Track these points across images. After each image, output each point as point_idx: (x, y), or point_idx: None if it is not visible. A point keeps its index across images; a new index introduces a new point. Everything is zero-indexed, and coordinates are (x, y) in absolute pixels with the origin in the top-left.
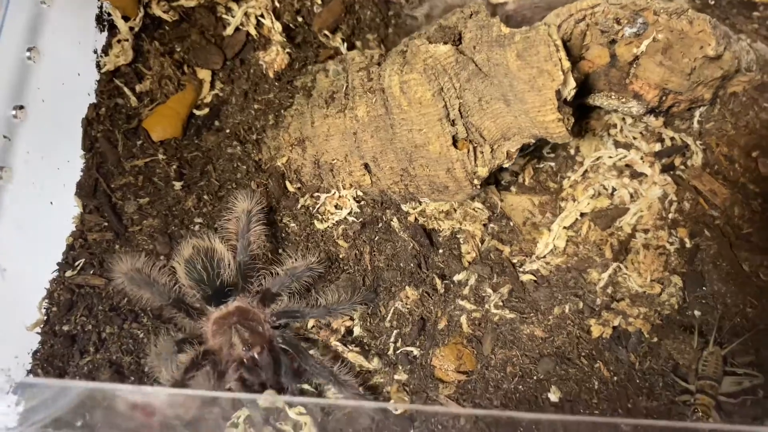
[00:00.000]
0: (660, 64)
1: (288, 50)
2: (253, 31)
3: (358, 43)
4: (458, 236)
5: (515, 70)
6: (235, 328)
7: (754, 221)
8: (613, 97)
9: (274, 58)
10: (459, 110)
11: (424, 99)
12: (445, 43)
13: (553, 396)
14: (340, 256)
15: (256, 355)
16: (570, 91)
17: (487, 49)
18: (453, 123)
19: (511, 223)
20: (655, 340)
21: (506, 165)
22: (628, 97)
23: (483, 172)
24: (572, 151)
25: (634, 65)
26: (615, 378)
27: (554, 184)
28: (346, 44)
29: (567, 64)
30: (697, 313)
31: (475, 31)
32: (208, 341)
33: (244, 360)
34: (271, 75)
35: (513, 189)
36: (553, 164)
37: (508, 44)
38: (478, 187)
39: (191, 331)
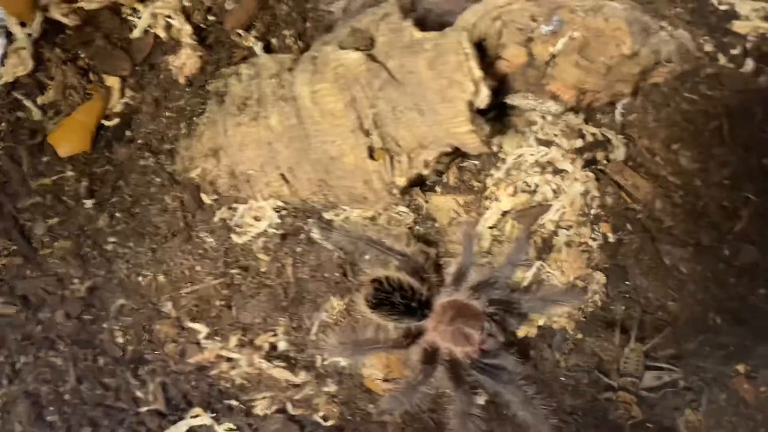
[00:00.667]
0: (576, 65)
1: (199, 53)
2: (162, 34)
3: (274, 41)
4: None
5: (427, 80)
6: (458, 321)
7: (676, 214)
8: (530, 97)
9: (185, 61)
10: (373, 120)
11: (336, 110)
12: (357, 49)
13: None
14: (262, 270)
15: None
16: (483, 99)
17: (400, 56)
18: (368, 133)
19: (437, 225)
20: (580, 337)
21: (425, 173)
22: (545, 98)
23: (401, 182)
24: (495, 149)
25: (551, 65)
26: (541, 377)
27: (478, 183)
28: (261, 43)
29: (478, 74)
30: (620, 308)
31: (388, 35)
32: (441, 347)
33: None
34: (181, 80)
35: (438, 189)
36: (477, 162)
37: (420, 51)
38: (398, 196)
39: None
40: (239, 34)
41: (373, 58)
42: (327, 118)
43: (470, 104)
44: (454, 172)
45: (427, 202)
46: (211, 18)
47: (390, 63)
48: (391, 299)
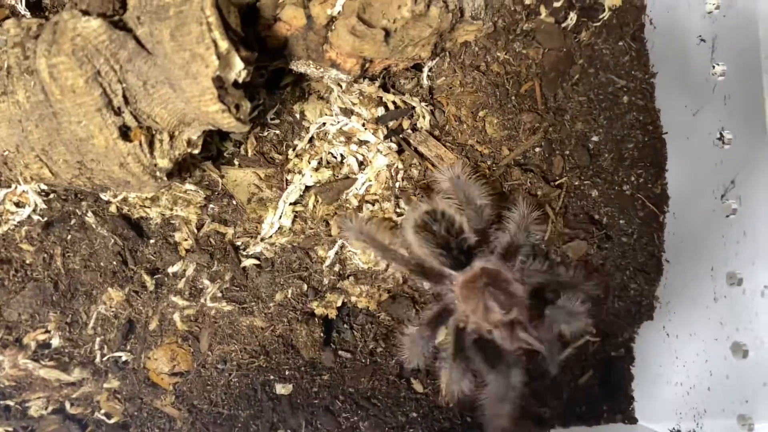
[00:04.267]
0: (352, 31)
1: None
2: None
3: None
4: (173, 222)
5: (170, 52)
6: (488, 291)
7: (483, 185)
8: (311, 65)
9: None
10: (124, 96)
11: (77, 86)
12: (102, 15)
13: (282, 389)
14: (27, 262)
15: (515, 317)
16: (239, 73)
17: (150, 22)
18: (118, 111)
19: (234, 202)
20: (382, 316)
21: (195, 152)
22: (326, 66)
23: (164, 163)
24: (298, 116)
25: (331, 29)
26: (339, 361)
27: (280, 156)
28: (25, 0)
29: (224, 45)
30: (424, 284)
31: None
32: (458, 308)
33: (504, 324)
34: None
35: (236, 162)
36: (278, 132)
37: (164, 18)
38: (164, 179)
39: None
40: None
41: (122, 24)
42: (68, 95)
43: (218, 80)
44: (253, 143)
45: (222, 177)
46: None
47: (140, 30)
48: (435, 230)
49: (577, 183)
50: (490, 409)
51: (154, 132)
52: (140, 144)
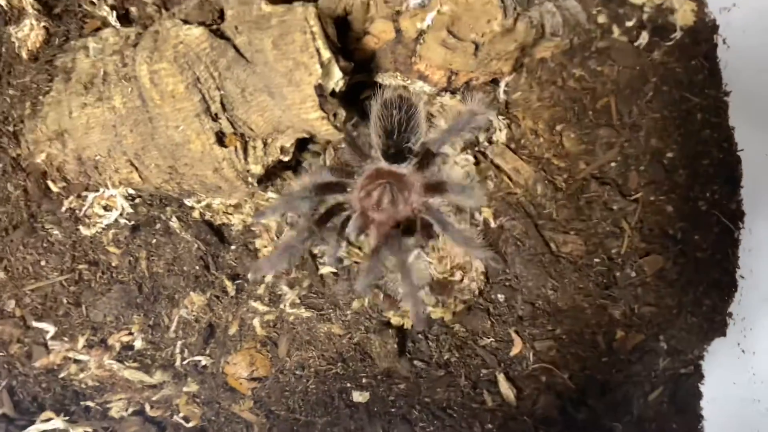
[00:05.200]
0: (443, 44)
1: (45, 23)
2: (2, 1)
3: (134, 10)
4: (253, 229)
5: (272, 60)
6: (386, 186)
7: (558, 199)
8: (399, 77)
9: (28, 33)
10: (221, 103)
11: (177, 92)
12: (202, 24)
13: (360, 397)
14: (113, 265)
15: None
16: (337, 82)
17: (249, 32)
18: (215, 117)
19: None
20: (457, 327)
21: (285, 159)
22: (413, 78)
23: (257, 169)
24: None
25: (420, 42)
26: (414, 370)
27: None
28: (116, 12)
29: (327, 55)
30: (499, 297)
31: (237, 7)
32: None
33: (366, 213)
34: (25, 54)
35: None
36: None
37: (266, 28)
38: (255, 185)
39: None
40: (92, 2)
41: (220, 33)
42: (168, 101)
43: (319, 88)
44: (331, 153)
45: None
46: None
47: (238, 40)
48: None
49: (652, 198)
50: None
51: (247, 139)
52: (235, 149)
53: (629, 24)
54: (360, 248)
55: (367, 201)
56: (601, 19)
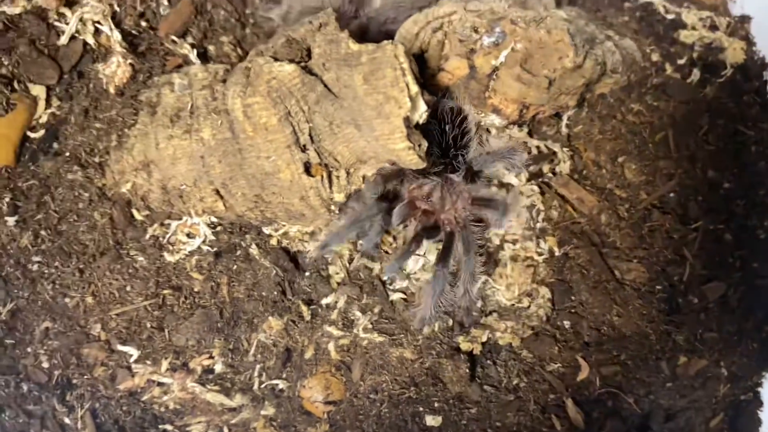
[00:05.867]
0: (518, 79)
1: (131, 61)
2: (91, 40)
3: (211, 48)
4: (326, 256)
5: (362, 95)
6: (439, 183)
7: (621, 228)
8: (472, 111)
9: (115, 70)
10: (309, 135)
11: (269, 124)
12: (291, 61)
13: (433, 421)
14: (195, 290)
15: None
16: (421, 115)
17: (337, 68)
18: (304, 149)
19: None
20: (524, 353)
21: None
22: (487, 111)
23: (340, 197)
24: None
25: (494, 78)
26: (485, 395)
27: None
28: (196, 50)
29: (415, 89)
30: (566, 323)
31: (324, 46)
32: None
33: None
34: (112, 90)
35: None
36: None
37: (356, 65)
38: (337, 212)
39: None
40: (174, 41)
41: (308, 70)
42: (260, 132)
43: (407, 120)
44: None
45: None
46: (143, 24)
47: (326, 76)
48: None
49: (711, 227)
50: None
51: (331, 168)
52: (321, 179)
53: (681, 62)
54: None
55: (417, 191)
56: (655, 57)
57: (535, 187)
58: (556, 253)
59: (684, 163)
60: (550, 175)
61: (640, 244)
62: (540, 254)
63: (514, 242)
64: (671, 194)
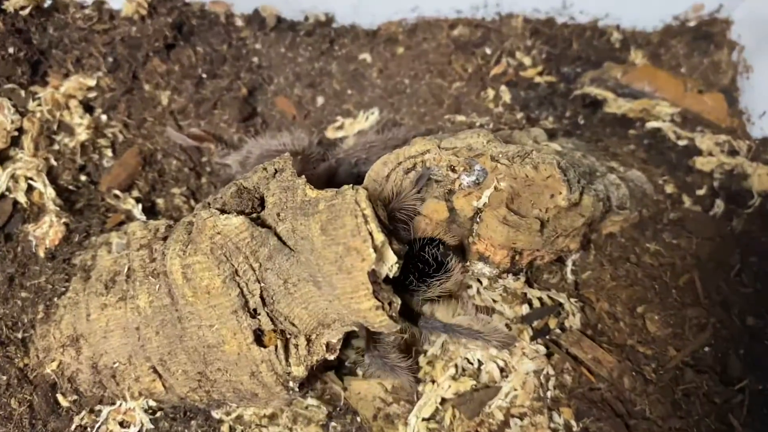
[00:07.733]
0: (504, 221)
1: (65, 220)
2: (22, 198)
3: (160, 201)
4: None
5: (320, 247)
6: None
7: (649, 393)
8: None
9: (47, 231)
10: (261, 296)
11: (212, 287)
12: (241, 212)
13: None
14: None
15: None
16: (391, 267)
17: (292, 218)
18: (254, 313)
19: (359, 419)
20: None
21: (331, 358)
22: (473, 260)
23: (299, 372)
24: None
25: (477, 221)
26: None
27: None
28: (141, 205)
29: (380, 238)
30: None
31: (279, 194)
32: None
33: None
34: (41, 253)
35: (359, 372)
36: (405, 335)
37: (312, 213)
38: (296, 390)
39: None
40: (116, 196)
41: (261, 222)
42: (202, 297)
43: (372, 274)
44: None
45: (345, 389)
46: (83, 178)
47: (281, 227)
48: None
49: (760, 387)
50: None
51: (288, 336)
52: (275, 349)
53: (700, 192)
54: None
55: None
56: (669, 189)
57: (541, 347)
58: (574, 429)
59: (716, 309)
60: (558, 331)
61: (675, 412)
62: (554, 430)
63: (522, 417)
64: (705, 348)
